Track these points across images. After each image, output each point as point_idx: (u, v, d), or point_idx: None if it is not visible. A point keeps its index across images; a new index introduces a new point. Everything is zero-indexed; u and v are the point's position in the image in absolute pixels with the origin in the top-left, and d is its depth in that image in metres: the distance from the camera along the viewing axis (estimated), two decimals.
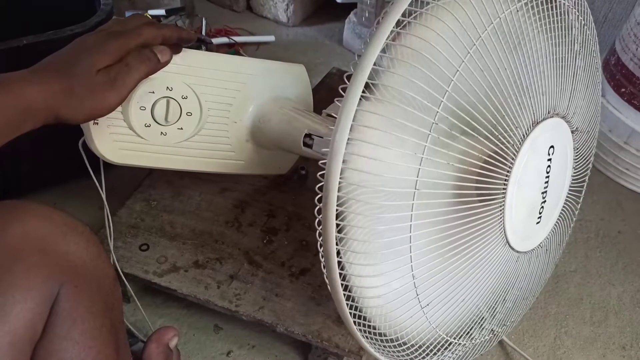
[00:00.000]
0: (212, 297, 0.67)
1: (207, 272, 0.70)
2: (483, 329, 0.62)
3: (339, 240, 0.41)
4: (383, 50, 0.38)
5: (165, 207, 0.77)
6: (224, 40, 1.21)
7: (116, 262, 0.68)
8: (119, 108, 0.55)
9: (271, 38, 1.29)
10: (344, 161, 0.38)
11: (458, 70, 0.40)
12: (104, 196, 0.63)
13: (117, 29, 0.51)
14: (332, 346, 0.63)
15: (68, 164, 0.59)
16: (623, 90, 0.93)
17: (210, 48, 1.10)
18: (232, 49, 1.22)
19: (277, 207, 0.79)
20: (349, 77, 0.38)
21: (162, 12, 1.06)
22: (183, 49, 0.58)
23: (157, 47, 0.54)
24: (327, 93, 0.91)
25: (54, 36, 0.69)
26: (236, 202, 0.79)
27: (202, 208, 0.78)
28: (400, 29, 0.40)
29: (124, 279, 0.68)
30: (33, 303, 0.41)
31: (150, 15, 1.03)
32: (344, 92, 0.38)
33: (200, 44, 1.04)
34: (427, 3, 0.40)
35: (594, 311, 0.80)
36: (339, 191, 0.39)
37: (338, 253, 0.41)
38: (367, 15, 1.19)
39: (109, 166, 0.60)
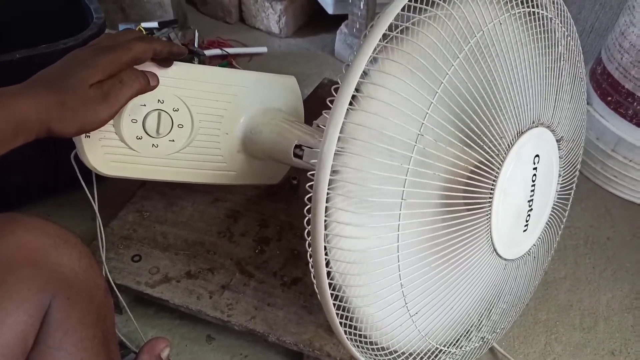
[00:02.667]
0: (204, 308, 0.67)
1: (199, 282, 0.70)
2: (473, 336, 0.63)
3: (328, 250, 0.42)
4: (369, 64, 0.39)
5: (158, 218, 0.77)
6: (216, 51, 1.22)
7: (108, 274, 0.68)
8: (111, 121, 0.56)
9: (263, 49, 1.30)
10: (332, 172, 0.39)
11: (442, 83, 0.41)
12: (96, 208, 0.64)
13: (108, 43, 0.52)
14: (324, 355, 0.64)
15: (61, 176, 0.59)
16: (609, 98, 0.95)
17: (203, 60, 1.11)
18: (225, 60, 1.23)
19: (269, 217, 0.79)
20: (336, 90, 0.39)
21: (154, 24, 1.06)
22: (174, 62, 0.59)
23: (148, 71, 0.55)
24: (319, 103, 0.91)
25: (46, 50, 0.70)
26: (228, 212, 0.79)
27: (194, 219, 0.78)
28: (387, 42, 0.41)
29: (116, 290, 0.68)
30: (25, 315, 0.41)
31: (143, 27, 1.04)
32: (332, 104, 0.39)
33: (193, 55, 1.05)
34: (412, 17, 0.41)
35: (584, 317, 0.81)
36: (327, 202, 0.39)
37: (327, 263, 0.42)
38: (358, 26, 1.20)
39: (102, 178, 0.60)
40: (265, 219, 0.79)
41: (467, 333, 0.62)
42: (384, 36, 0.40)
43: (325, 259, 0.41)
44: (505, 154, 0.47)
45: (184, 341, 0.73)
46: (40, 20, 0.85)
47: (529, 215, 0.54)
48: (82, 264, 0.46)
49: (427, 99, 0.40)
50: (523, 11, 0.49)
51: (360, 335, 0.49)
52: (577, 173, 0.69)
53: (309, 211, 0.41)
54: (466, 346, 0.62)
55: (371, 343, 0.50)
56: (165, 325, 0.74)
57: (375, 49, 0.38)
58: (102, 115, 0.50)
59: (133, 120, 0.57)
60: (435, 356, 0.58)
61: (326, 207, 0.40)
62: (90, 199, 0.62)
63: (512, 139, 0.48)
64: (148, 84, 0.55)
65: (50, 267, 0.44)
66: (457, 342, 0.60)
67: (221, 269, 0.72)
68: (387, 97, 0.41)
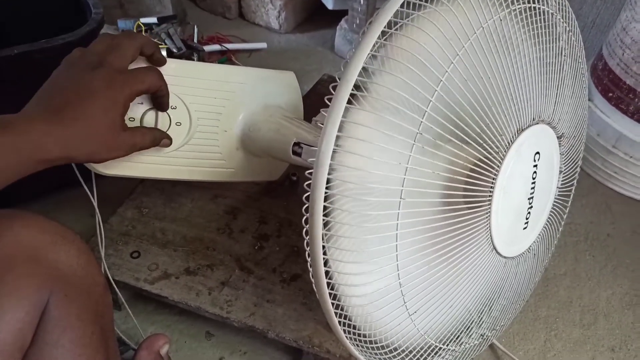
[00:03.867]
0: (204, 304, 0.67)
1: (199, 278, 0.70)
2: (473, 333, 0.63)
3: (326, 250, 0.42)
4: (367, 61, 0.39)
5: (157, 214, 0.77)
6: (216, 47, 1.22)
7: (107, 270, 0.68)
8: None
9: (263, 45, 1.30)
10: (330, 171, 0.39)
11: (442, 81, 0.40)
12: (95, 204, 0.64)
13: (105, 45, 0.51)
14: (324, 352, 0.64)
15: (60, 172, 0.59)
16: (610, 94, 0.95)
17: (202, 56, 1.11)
18: (224, 56, 1.23)
19: (268, 214, 0.79)
20: (334, 88, 0.39)
21: (154, 20, 1.06)
22: (170, 59, 0.59)
23: (164, 139, 0.58)
24: (318, 99, 0.90)
25: (45, 45, 0.69)
26: (228, 208, 0.79)
27: (193, 215, 0.78)
28: (385, 39, 0.40)
29: (115, 287, 0.68)
30: (23, 312, 0.41)
31: (142, 23, 1.03)
32: (330, 102, 0.39)
33: (192, 51, 1.05)
34: (411, 14, 0.41)
35: (584, 314, 0.81)
36: (325, 200, 0.39)
37: (326, 263, 0.42)
38: (358, 22, 1.20)
39: (100, 174, 0.60)
40: (264, 216, 0.79)
41: (466, 330, 0.62)
42: (383, 33, 0.39)
43: (324, 258, 0.41)
44: (505, 151, 0.47)
45: (183, 337, 0.73)
46: (39, 15, 0.84)
47: (529, 212, 0.54)
48: (81, 260, 0.46)
49: (426, 97, 0.40)
50: (523, 7, 0.48)
51: (359, 334, 0.49)
52: (578, 169, 0.68)
53: (307, 210, 0.40)
54: (466, 343, 0.61)
55: (370, 342, 0.50)
56: (165, 322, 0.74)
57: (373, 47, 0.38)
58: (117, 155, 0.52)
59: (131, 119, 0.57)
60: (435, 353, 0.58)
61: (324, 207, 0.39)
62: (90, 195, 0.62)
63: (512, 137, 0.47)
64: (153, 141, 0.57)
65: (49, 264, 0.44)
66: (456, 339, 0.60)
67: (220, 265, 0.72)
68: (385, 96, 0.40)
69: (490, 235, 0.49)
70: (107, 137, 0.49)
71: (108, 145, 0.50)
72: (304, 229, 0.41)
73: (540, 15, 0.50)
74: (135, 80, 0.51)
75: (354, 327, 0.48)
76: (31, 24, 0.83)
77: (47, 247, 0.44)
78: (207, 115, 0.63)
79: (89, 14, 0.76)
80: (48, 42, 0.70)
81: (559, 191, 0.63)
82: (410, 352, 0.54)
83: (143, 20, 1.04)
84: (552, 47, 0.53)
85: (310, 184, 0.39)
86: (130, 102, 0.51)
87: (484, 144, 0.45)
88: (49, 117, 0.46)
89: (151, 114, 0.58)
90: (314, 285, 0.44)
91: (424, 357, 0.56)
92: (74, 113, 0.47)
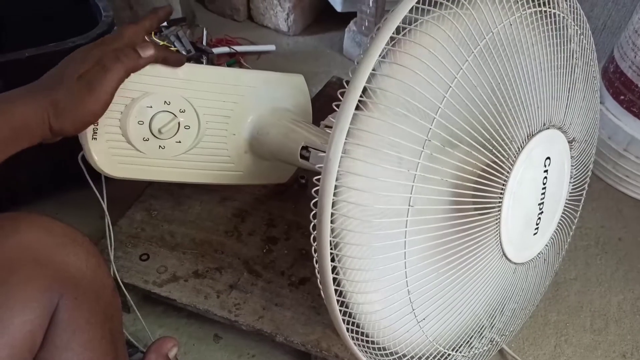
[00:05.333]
0: (212, 307, 0.67)
1: (207, 281, 0.70)
2: (482, 338, 0.62)
3: (334, 256, 0.42)
4: (376, 67, 0.39)
5: (166, 217, 0.78)
6: (224, 50, 1.22)
7: (116, 272, 0.68)
8: (117, 123, 0.56)
9: (272, 47, 1.30)
10: (337, 179, 0.38)
11: (451, 87, 0.40)
12: (105, 206, 0.64)
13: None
14: (332, 356, 0.64)
15: (70, 173, 0.60)
16: (622, 97, 0.94)
17: (211, 58, 1.11)
18: (233, 58, 1.23)
19: (277, 216, 0.79)
20: (342, 94, 0.38)
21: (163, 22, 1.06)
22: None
23: (140, 44, 0.52)
24: (327, 102, 0.90)
25: (55, 48, 0.70)
26: (236, 211, 0.79)
27: (202, 217, 0.78)
28: (393, 45, 0.40)
29: (124, 289, 0.69)
30: (32, 314, 0.42)
31: None
32: (338, 108, 0.39)
33: (201, 54, 1.05)
34: (421, 19, 0.40)
35: (595, 319, 0.80)
36: (332, 207, 0.39)
37: (334, 269, 0.42)
38: (366, 24, 1.19)
39: None
40: (273, 218, 0.79)
41: (476, 335, 0.61)
42: (391, 39, 0.39)
43: (332, 265, 0.41)
44: (515, 157, 0.46)
45: (191, 340, 0.73)
46: (49, 18, 0.85)
47: (539, 218, 0.53)
48: (90, 263, 0.47)
49: (435, 104, 0.40)
50: (534, 10, 0.48)
51: (367, 341, 0.48)
52: (590, 173, 0.68)
53: (315, 216, 0.40)
54: (475, 349, 0.61)
55: (379, 348, 0.50)
56: (173, 324, 0.75)
57: (381, 53, 0.38)
58: (92, 106, 0.49)
59: (140, 122, 0.57)
60: (445, 359, 0.57)
61: (332, 213, 0.39)
62: (99, 198, 0.63)
63: (523, 142, 0.47)
64: (139, 58, 0.51)
65: (57, 267, 0.44)
66: (466, 344, 0.60)
67: (229, 268, 0.72)
68: (393, 102, 0.40)
69: (500, 242, 0.48)
70: (66, 90, 0.47)
71: (68, 100, 0.47)
72: (312, 236, 0.41)
73: (550, 18, 0.50)
74: (112, 36, 0.51)
75: (363, 334, 0.48)
76: (41, 28, 0.84)
77: (55, 250, 0.45)
78: (215, 118, 0.63)
79: (99, 17, 0.76)
80: (58, 45, 0.70)
81: (570, 195, 0.62)
82: (420, 358, 0.54)
83: None
84: (563, 50, 0.52)
85: (318, 190, 0.39)
86: (98, 58, 0.49)
87: (494, 150, 0.45)
88: (27, 88, 0.47)
89: (160, 117, 0.58)
90: (321, 291, 0.44)
91: None
92: (47, 80, 0.48)
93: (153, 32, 0.64)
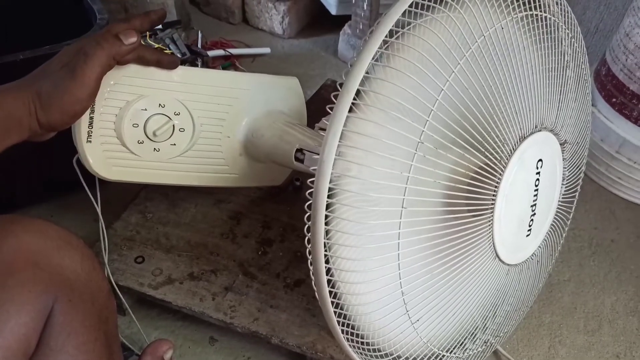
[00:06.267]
0: (207, 309, 0.67)
1: (202, 284, 0.70)
2: (476, 339, 0.63)
3: (329, 258, 0.42)
4: (369, 70, 0.39)
5: (161, 219, 0.78)
6: (219, 52, 1.22)
7: (111, 275, 0.68)
8: (112, 125, 0.56)
9: (267, 50, 1.30)
10: (332, 180, 0.39)
11: (443, 90, 0.40)
12: (99, 210, 0.64)
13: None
14: (327, 357, 0.64)
15: (64, 177, 0.60)
16: (614, 100, 0.94)
17: (206, 61, 1.11)
18: (228, 61, 1.23)
19: (272, 219, 0.79)
20: (336, 96, 0.39)
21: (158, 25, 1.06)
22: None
23: (123, 31, 0.52)
24: (322, 104, 0.91)
25: (50, 51, 0.70)
26: (231, 213, 0.80)
27: (197, 220, 0.78)
28: (386, 48, 0.40)
29: (119, 292, 0.68)
30: (27, 317, 0.41)
31: None
32: (331, 110, 0.39)
33: (196, 56, 1.05)
34: (413, 23, 0.41)
35: (588, 320, 0.80)
36: (327, 209, 0.39)
37: (328, 271, 0.42)
38: (361, 27, 1.20)
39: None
40: (268, 221, 0.79)
41: (470, 336, 0.62)
42: (384, 42, 0.40)
43: (326, 267, 0.41)
44: (507, 159, 0.47)
45: (186, 343, 0.73)
46: (44, 21, 0.85)
47: (532, 220, 0.54)
48: (85, 266, 0.47)
49: (427, 107, 0.40)
50: (525, 14, 0.48)
51: (362, 343, 0.49)
52: (582, 175, 0.68)
53: (309, 218, 0.40)
54: (469, 350, 0.61)
55: (374, 350, 0.50)
56: (168, 327, 0.74)
57: (374, 56, 0.38)
58: (76, 94, 0.48)
59: (134, 125, 0.57)
60: None
61: (326, 215, 0.39)
62: (93, 201, 0.63)
63: (515, 145, 0.47)
64: (121, 45, 0.51)
65: (52, 270, 0.44)
66: (460, 345, 0.60)
67: (224, 270, 0.72)
68: (387, 104, 0.40)
69: (493, 243, 0.49)
70: (50, 80, 0.48)
71: (51, 90, 0.47)
72: (306, 238, 0.41)
73: (542, 21, 0.50)
74: (101, 32, 0.51)
75: (357, 335, 0.48)
76: (36, 30, 0.84)
77: (50, 253, 0.44)
78: (210, 121, 0.64)
79: (94, 20, 0.77)
80: (53, 48, 0.70)
81: (563, 197, 0.63)
82: (414, 359, 0.54)
83: None
84: (555, 53, 0.53)
85: (312, 192, 0.39)
86: (79, 47, 0.49)
87: (486, 152, 0.45)
88: (16, 82, 0.48)
89: (154, 120, 0.59)
90: (316, 293, 0.44)
91: None
92: (34, 74, 0.48)
93: (148, 35, 0.64)
